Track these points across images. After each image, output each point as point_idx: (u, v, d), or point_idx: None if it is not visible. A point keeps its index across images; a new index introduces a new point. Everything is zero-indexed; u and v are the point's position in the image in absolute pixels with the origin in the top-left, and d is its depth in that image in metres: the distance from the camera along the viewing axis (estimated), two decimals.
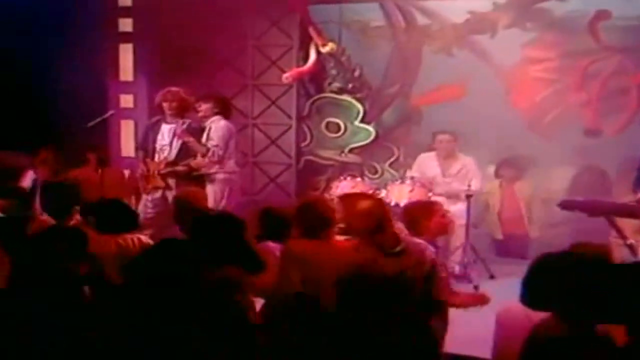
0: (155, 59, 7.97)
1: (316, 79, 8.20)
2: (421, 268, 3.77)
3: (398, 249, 3.72)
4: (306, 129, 8.29)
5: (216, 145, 6.49)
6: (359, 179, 7.08)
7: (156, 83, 7.54)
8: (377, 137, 8.06)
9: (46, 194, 4.96)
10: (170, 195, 6.46)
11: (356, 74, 8.09)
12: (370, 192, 6.51)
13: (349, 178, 7.00)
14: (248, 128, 8.06)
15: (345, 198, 4.06)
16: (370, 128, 8.10)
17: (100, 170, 6.93)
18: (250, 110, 8.21)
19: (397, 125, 8.03)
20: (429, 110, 7.72)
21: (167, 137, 6.66)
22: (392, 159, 8.06)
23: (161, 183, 6.62)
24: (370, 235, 3.73)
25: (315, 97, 8.24)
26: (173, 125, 6.65)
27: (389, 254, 3.69)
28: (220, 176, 6.61)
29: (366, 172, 8.00)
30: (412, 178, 6.90)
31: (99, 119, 7.04)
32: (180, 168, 6.53)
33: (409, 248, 3.77)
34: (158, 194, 6.60)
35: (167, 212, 5.89)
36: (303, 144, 8.30)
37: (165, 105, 6.65)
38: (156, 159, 6.68)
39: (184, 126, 6.60)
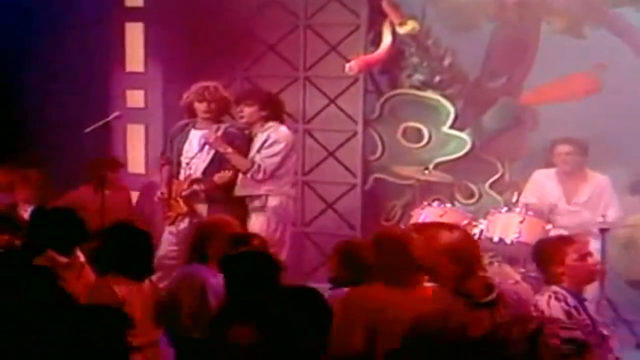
0: (173, 42, 7.84)
1: (391, 69, 7.96)
2: (523, 326, 3.71)
3: (490, 298, 3.60)
4: (376, 137, 7.99)
5: (276, 154, 6.42)
6: (448, 206, 6.89)
7: (174, 75, 7.59)
8: (473, 147, 7.73)
9: (40, 225, 4.89)
10: None
11: (446, 62, 7.77)
12: (465, 222, 6.33)
13: (435, 204, 6.81)
14: (297, 135, 7.72)
15: (423, 229, 3.82)
16: (465, 136, 7.74)
17: (100, 193, 6.81)
18: (301, 112, 8.09)
19: (501, 131, 7.72)
20: (547, 110, 7.50)
21: (196, 148, 6.56)
22: (494, 178, 7.73)
23: (183, 208, 6.50)
24: (455, 280, 3.62)
25: (390, 94, 7.96)
26: (205, 132, 6.51)
27: (478, 305, 3.58)
28: (272, 201, 6.53)
29: (458, 196, 7.73)
30: (525, 205, 6.64)
31: (98, 124, 6.87)
32: (197, 187, 6.41)
33: (507, 298, 3.67)
34: (184, 224, 6.48)
35: None
36: (372, 158, 8.00)
37: (200, 106, 6.54)
38: (181, 176, 6.57)
39: (219, 132, 6.51)
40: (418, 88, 7.90)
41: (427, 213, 6.64)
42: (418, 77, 7.91)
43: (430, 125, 7.88)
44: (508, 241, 6.24)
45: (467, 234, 3.90)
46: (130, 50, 8.07)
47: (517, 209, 6.56)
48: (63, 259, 4.69)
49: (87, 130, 6.82)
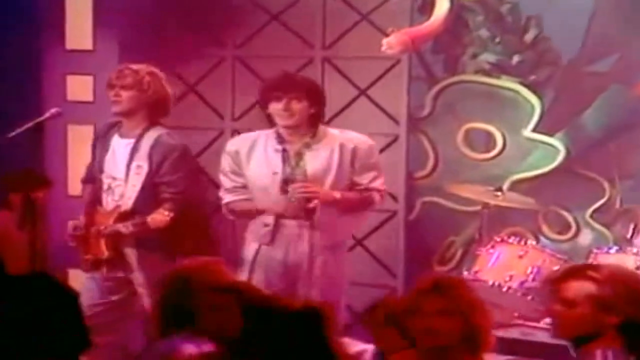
0: (134, 8, 7.41)
1: (448, 48, 7.62)
2: None
3: None
4: (426, 144, 7.64)
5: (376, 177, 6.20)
6: (531, 243, 6.63)
7: (135, 55, 7.03)
8: (568, 159, 7.35)
9: None
10: (138, 277, 6.25)
11: (528, 36, 7.43)
12: (555, 268, 6.17)
13: (511, 239, 6.57)
14: None
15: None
16: (556, 142, 7.36)
17: (28, 220, 6.48)
18: None
19: (609, 135, 7.37)
20: None
21: (121, 164, 6.33)
22: (599, 204, 7.36)
23: (104, 252, 6.32)
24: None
25: (446, 83, 7.59)
26: (131, 141, 6.31)
27: None
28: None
29: (545, 229, 7.41)
30: None
31: (27, 125, 6.44)
32: (123, 229, 6.18)
33: None
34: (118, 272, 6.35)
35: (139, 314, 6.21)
36: (420, 173, 7.65)
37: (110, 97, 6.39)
38: (105, 202, 6.38)
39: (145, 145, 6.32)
40: (488, 73, 7.56)
41: (501, 253, 6.42)
42: (488, 57, 7.57)
43: (505, 127, 7.54)
44: None
45: None
46: (73, 19, 7.50)
47: (634, 249, 6.32)
48: None
49: (12, 134, 6.39)
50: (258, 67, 7.45)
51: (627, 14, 7.29)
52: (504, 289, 6.15)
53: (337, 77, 7.51)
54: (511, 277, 6.14)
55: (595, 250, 6.45)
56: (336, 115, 7.47)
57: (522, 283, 6.25)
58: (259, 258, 6.29)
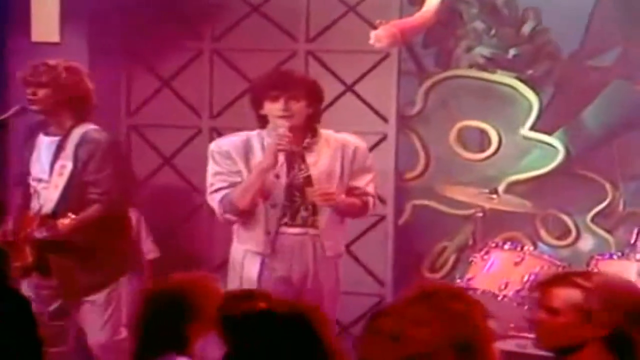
0: None
1: (441, 40, 7.55)
2: None
3: None
4: (417, 144, 7.56)
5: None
6: (528, 248, 6.56)
7: (106, 49, 7.18)
8: (568, 159, 7.30)
9: None
10: (54, 283, 6.32)
11: (525, 29, 7.41)
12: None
13: (507, 245, 6.52)
14: None
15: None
16: (555, 141, 7.31)
17: None
18: None
19: (612, 134, 7.35)
20: None
21: (46, 164, 6.26)
22: (600, 207, 7.31)
23: (28, 258, 6.25)
24: None
25: (439, 78, 7.51)
26: (56, 139, 6.23)
27: None
28: None
29: (544, 233, 7.38)
30: None
31: None
32: (38, 234, 6.10)
33: None
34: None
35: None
36: (410, 174, 7.56)
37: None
38: (33, 205, 6.34)
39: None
40: (483, 68, 7.47)
41: (496, 259, 6.32)
42: (482, 51, 7.50)
43: (500, 125, 7.47)
44: None
45: None
46: (38, 10, 7.31)
47: (638, 256, 6.18)
48: None
49: None
50: (238, 61, 7.36)
51: (632, 4, 7.26)
52: (499, 298, 6.04)
53: (322, 72, 7.33)
54: (506, 285, 6.01)
55: (596, 257, 6.29)
56: (322, 112, 7.32)
57: (518, 292, 6.13)
58: (264, 275, 6.13)
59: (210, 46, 7.48)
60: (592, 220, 7.29)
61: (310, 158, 6.09)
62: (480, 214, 6.88)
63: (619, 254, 6.36)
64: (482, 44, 7.43)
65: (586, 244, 7.31)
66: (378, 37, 6.82)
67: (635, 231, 6.48)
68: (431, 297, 3.73)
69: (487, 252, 6.37)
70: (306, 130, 6.13)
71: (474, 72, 7.40)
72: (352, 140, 6.28)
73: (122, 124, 7.58)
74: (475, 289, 6.11)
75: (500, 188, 7.01)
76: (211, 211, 6.68)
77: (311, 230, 6.09)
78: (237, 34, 7.51)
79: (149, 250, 7.43)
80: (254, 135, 6.21)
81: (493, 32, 7.42)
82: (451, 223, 7.46)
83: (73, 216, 6.06)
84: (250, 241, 6.20)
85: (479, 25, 7.43)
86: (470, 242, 6.99)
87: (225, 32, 7.49)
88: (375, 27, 6.88)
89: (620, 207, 7.25)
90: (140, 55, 7.12)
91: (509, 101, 7.38)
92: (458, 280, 6.47)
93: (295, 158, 6.11)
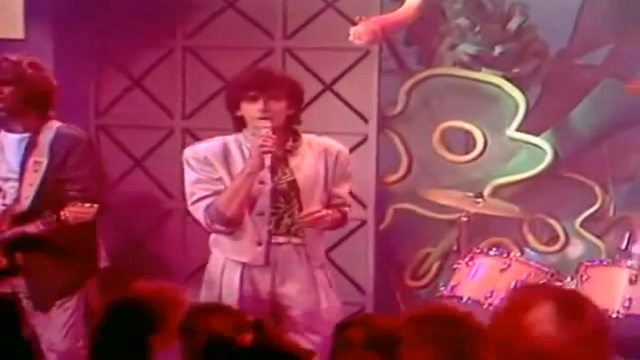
0: None
1: (423, 37, 7.58)
2: None
3: None
4: (399, 145, 7.51)
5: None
6: (515, 255, 6.55)
7: (72, 47, 7.11)
8: (556, 161, 7.25)
9: None
10: (21, 284, 6.18)
11: (512, 25, 7.42)
12: (542, 281, 6.34)
13: (492, 252, 6.54)
14: None
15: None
16: (543, 143, 7.28)
17: None
18: None
19: (602, 135, 7.37)
20: None
21: (13, 162, 6.21)
22: (590, 211, 7.32)
23: (1, 261, 6.26)
24: None
25: (421, 77, 7.46)
26: (26, 136, 6.20)
27: None
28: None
29: (531, 239, 7.41)
30: None
31: None
32: (32, 228, 6.03)
33: None
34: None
35: None
36: (392, 177, 7.52)
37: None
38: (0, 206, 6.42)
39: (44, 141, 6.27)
40: (467, 66, 7.47)
41: (481, 266, 6.31)
42: (467, 48, 7.47)
43: (486, 126, 7.41)
44: (613, 314, 5.96)
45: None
46: (1, 4, 7.26)
47: (629, 262, 6.19)
48: None
49: None
50: (212, 59, 7.29)
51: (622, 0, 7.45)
52: (485, 306, 5.89)
53: (300, 70, 7.22)
54: (492, 292, 5.92)
55: (585, 263, 6.24)
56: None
57: (504, 300, 6.03)
58: (245, 285, 5.95)
59: (183, 43, 7.38)
60: (582, 225, 7.26)
61: (293, 162, 5.99)
62: (465, 219, 6.80)
63: (609, 260, 6.39)
64: (467, 41, 7.39)
65: (575, 249, 7.30)
66: (358, 33, 6.77)
67: (626, 236, 6.49)
68: (432, 321, 3.82)
69: (472, 259, 6.33)
70: (287, 133, 6.02)
71: (458, 71, 7.37)
72: (335, 144, 6.19)
73: (91, 124, 7.44)
74: (459, 297, 6.11)
75: (486, 191, 6.99)
76: (183, 216, 6.71)
77: (294, 239, 5.97)
78: (211, 30, 7.41)
79: (102, 257, 7.43)
80: (230, 140, 6.08)
81: (478, 28, 7.37)
82: (435, 228, 7.42)
83: (87, 205, 5.92)
84: (236, 251, 6.03)
85: (463, 21, 7.39)
86: (455, 248, 6.93)
87: (199, 28, 7.39)
88: (354, 24, 6.84)
89: (611, 211, 7.24)
90: (109, 52, 7.11)
91: (494, 101, 7.34)
92: (442, 288, 6.43)
93: (279, 162, 5.99)
